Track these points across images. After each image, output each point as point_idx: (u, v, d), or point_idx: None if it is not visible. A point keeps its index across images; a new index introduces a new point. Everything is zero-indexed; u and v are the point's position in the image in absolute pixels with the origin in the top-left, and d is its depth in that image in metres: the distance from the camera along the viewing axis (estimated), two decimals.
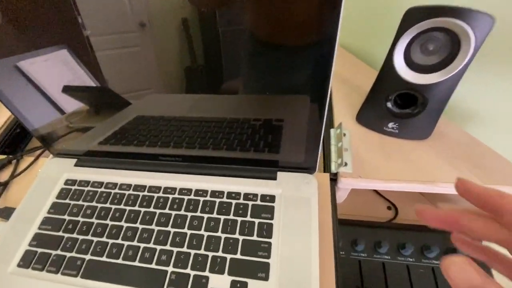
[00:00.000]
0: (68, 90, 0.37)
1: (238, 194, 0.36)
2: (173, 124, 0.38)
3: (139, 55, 0.32)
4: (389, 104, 0.37)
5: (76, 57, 0.34)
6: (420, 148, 0.39)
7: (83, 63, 0.34)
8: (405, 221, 0.51)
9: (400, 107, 0.38)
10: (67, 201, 0.39)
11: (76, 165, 0.43)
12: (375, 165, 0.38)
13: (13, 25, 0.31)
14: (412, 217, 0.52)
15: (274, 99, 0.32)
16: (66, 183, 0.41)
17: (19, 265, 0.34)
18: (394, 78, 0.34)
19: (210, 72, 0.31)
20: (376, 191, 0.56)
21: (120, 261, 0.32)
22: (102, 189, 0.39)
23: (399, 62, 0.33)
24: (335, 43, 0.25)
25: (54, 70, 0.34)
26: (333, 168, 0.38)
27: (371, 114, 0.40)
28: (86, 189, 0.39)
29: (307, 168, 0.36)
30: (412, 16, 0.30)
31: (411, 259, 0.41)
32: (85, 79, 0.35)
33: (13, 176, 0.45)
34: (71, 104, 0.39)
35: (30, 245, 0.35)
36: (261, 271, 0.30)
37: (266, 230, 0.32)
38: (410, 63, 0.33)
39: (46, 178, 0.42)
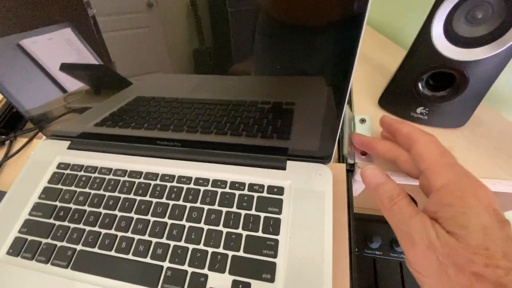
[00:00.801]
0: (68, 68, 0.34)
1: (243, 184, 0.32)
2: (175, 106, 0.34)
3: (147, 36, 0.29)
4: (420, 85, 0.32)
5: (80, 37, 0.31)
6: (453, 137, 0.34)
7: (88, 43, 0.31)
8: None
9: (433, 89, 0.32)
10: (59, 186, 0.36)
11: (69, 147, 0.40)
12: None
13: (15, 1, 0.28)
14: None
15: (287, 81, 0.27)
16: (58, 166, 0.38)
17: (8, 253, 0.32)
18: (429, 53, 0.29)
19: (220, 54, 0.27)
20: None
21: (112, 253, 0.30)
22: (96, 175, 0.36)
23: (437, 34, 0.27)
24: (363, 20, 0.20)
25: (58, 49, 0.32)
26: (351, 158, 0.34)
27: (397, 97, 0.35)
28: (79, 174, 0.37)
29: (321, 158, 0.32)
30: None
31: None
32: (90, 60, 0.32)
33: (6, 157, 0.43)
34: (72, 84, 0.36)
35: (20, 231, 0.33)
36: (266, 272, 0.26)
37: (273, 226, 0.29)
38: (451, 35, 0.27)
39: (38, 161, 0.39)
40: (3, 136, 0.45)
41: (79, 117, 0.38)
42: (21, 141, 0.45)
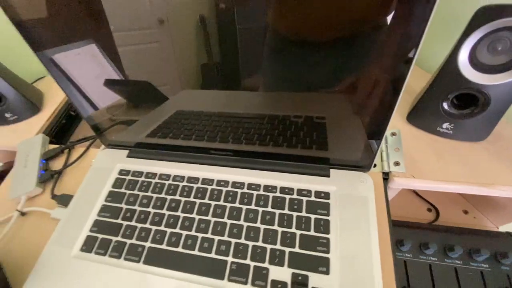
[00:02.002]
0: (106, 83, 0.38)
1: (291, 189, 0.36)
2: (215, 119, 0.39)
3: (158, 50, 0.33)
4: (445, 104, 0.37)
5: (103, 52, 0.35)
6: (475, 150, 0.38)
7: (109, 58, 0.35)
8: (446, 223, 0.51)
9: (456, 107, 0.37)
10: (123, 190, 0.40)
11: (128, 156, 0.44)
12: (427, 166, 0.38)
13: (49, 18, 0.32)
14: (453, 219, 0.51)
15: (328, 97, 0.32)
16: (120, 173, 0.42)
17: (82, 250, 0.35)
18: (456, 77, 0.34)
19: (228, 68, 0.32)
20: (415, 193, 0.55)
21: (180, 249, 0.34)
22: (156, 180, 0.40)
23: (463, 61, 0.33)
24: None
25: (85, 63, 0.36)
26: (386, 168, 0.38)
27: (425, 113, 0.39)
28: (140, 179, 0.41)
29: (361, 167, 0.36)
30: (483, 15, 0.30)
31: (459, 262, 0.41)
32: (111, 73, 0.36)
33: (65, 165, 0.47)
34: (103, 98, 0.40)
35: (91, 231, 0.37)
36: (322, 266, 0.30)
37: (324, 226, 0.33)
38: (475, 63, 0.32)
39: (100, 168, 0.44)
40: (63, 145, 0.50)
41: (131, 128, 0.43)
42: (78, 150, 0.50)
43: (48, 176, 0.45)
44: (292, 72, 0.31)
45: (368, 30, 0.26)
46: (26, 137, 0.51)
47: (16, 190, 0.44)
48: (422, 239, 0.43)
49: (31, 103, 0.57)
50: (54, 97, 0.61)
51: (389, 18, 0.25)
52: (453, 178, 0.36)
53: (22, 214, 0.42)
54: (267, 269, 0.31)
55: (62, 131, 0.59)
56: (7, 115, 0.55)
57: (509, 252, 0.40)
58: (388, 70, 0.27)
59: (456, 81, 0.34)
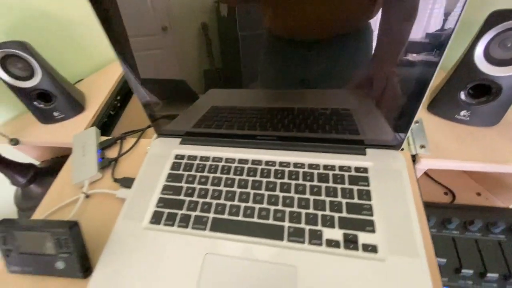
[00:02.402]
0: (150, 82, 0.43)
1: (333, 166, 0.42)
2: (249, 112, 0.44)
3: (161, 57, 0.39)
4: (462, 94, 0.43)
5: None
6: (490, 133, 0.44)
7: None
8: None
9: (472, 96, 0.43)
10: (181, 172, 0.45)
11: (181, 143, 0.49)
12: (449, 148, 0.44)
13: None
14: (468, 201, 0.57)
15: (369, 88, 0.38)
16: (176, 157, 0.47)
17: (151, 222, 0.40)
18: (472, 70, 0.40)
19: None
20: (432, 179, 0.61)
21: (240, 218, 0.39)
22: (210, 162, 0.46)
23: (479, 56, 0.39)
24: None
25: None
26: (413, 151, 0.44)
27: (444, 103, 0.45)
28: (195, 162, 0.46)
29: (393, 146, 0.42)
30: (495, 18, 0.36)
31: (478, 234, 0.46)
32: None
33: (120, 154, 0.52)
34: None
35: (157, 206, 0.42)
36: (368, 226, 0.35)
37: (366, 195, 0.38)
38: (489, 57, 0.39)
39: (156, 154, 0.49)
40: (116, 136, 0.55)
41: (178, 120, 0.48)
42: (128, 141, 0.55)
43: (106, 163, 0.50)
44: (295, 70, 0.36)
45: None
46: (73, 134, 0.56)
47: (79, 176, 0.49)
48: (444, 215, 0.49)
49: (77, 103, 0.62)
50: (95, 98, 0.66)
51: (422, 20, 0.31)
52: (472, 158, 0.42)
53: (87, 196, 0.47)
54: (320, 230, 0.36)
55: (103, 128, 0.65)
56: (55, 113, 0.61)
57: None
58: (416, 67, 0.33)
59: (473, 74, 0.40)
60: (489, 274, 0.42)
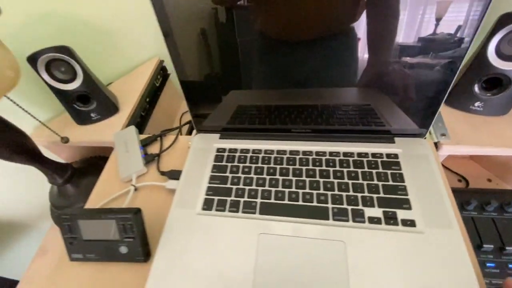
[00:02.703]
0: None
1: (366, 153, 0.46)
2: (275, 109, 0.49)
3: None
4: (476, 87, 0.48)
5: None
6: (502, 121, 0.49)
7: None
8: None
9: (484, 89, 0.48)
10: (224, 163, 0.49)
11: (220, 138, 0.53)
12: (466, 136, 0.49)
13: None
14: (481, 186, 0.62)
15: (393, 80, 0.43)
16: (218, 151, 0.51)
17: (203, 209, 0.44)
18: (485, 66, 0.45)
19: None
20: (445, 167, 0.66)
21: (286, 202, 0.43)
22: (250, 154, 0.50)
23: (491, 52, 0.44)
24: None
25: None
26: (435, 139, 0.49)
27: (460, 95, 0.51)
28: (236, 154, 0.50)
29: (419, 134, 0.47)
30: (505, 19, 0.42)
31: (494, 214, 0.51)
32: None
33: (162, 150, 0.56)
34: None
35: (207, 194, 0.45)
36: (404, 204, 0.40)
37: (399, 177, 0.42)
38: (500, 54, 0.44)
39: (198, 148, 0.52)
40: (155, 134, 0.58)
41: (214, 117, 0.52)
42: (168, 138, 0.59)
43: (150, 158, 0.54)
44: (301, 70, 0.41)
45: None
46: (110, 134, 0.59)
47: (127, 171, 0.52)
48: (463, 198, 0.53)
49: (113, 104, 0.66)
50: (127, 100, 0.70)
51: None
52: (487, 144, 0.47)
53: (135, 189, 0.50)
54: (362, 209, 0.40)
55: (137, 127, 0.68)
56: (92, 114, 0.64)
57: None
58: (441, 65, 0.38)
59: (486, 68, 0.45)
60: (507, 248, 0.46)
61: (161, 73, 0.81)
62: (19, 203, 0.76)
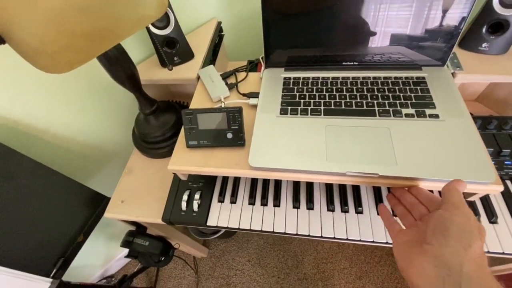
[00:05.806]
0: None
1: (401, 77, 0.62)
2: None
3: None
4: (484, 30, 0.64)
5: None
6: (503, 58, 0.65)
7: None
8: None
9: (489, 33, 0.64)
10: (291, 86, 0.65)
11: (285, 70, 0.69)
12: (476, 68, 0.64)
13: None
14: None
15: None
16: (284, 79, 0.67)
17: (280, 114, 0.60)
18: (491, 13, 0.61)
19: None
20: None
21: (343, 107, 0.59)
22: (311, 80, 0.66)
23: (496, 3, 0.60)
24: None
25: None
26: (451, 69, 0.65)
27: (471, 38, 0.66)
28: (300, 80, 0.66)
29: (440, 65, 0.62)
30: None
31: (494, 130, 0.67)
32: None
33: (238, 81, 0.72)
34: None
35: (281, 104, 0.62)
36: (431, 106, 0.56)
37: (426, 90, 0.59)
38: (502, 3, 0.60)
39: (269, 77, 0.69)
40: (231, 70, 0.74)
41: (281, 53, 0.68)
42: (239, 75, 0.75)
43: (231, 86, 0.70)
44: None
45: None
46: (190, 74, 0.76)
47: (216, 93, 0.68)
48: (484, 120, 0.69)
49: (191, 51, 0.81)
50: (198, 47, 0.85)
51: None
52: (492, 73, 0.63)
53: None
54: (400, 110, 0.56)
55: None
56: (175, 58, 0.80)
57: None
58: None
59: (492, 15, 0.61)
60: None
61: (218, 33, 0.96)
62: (109, 133, 0.93)
